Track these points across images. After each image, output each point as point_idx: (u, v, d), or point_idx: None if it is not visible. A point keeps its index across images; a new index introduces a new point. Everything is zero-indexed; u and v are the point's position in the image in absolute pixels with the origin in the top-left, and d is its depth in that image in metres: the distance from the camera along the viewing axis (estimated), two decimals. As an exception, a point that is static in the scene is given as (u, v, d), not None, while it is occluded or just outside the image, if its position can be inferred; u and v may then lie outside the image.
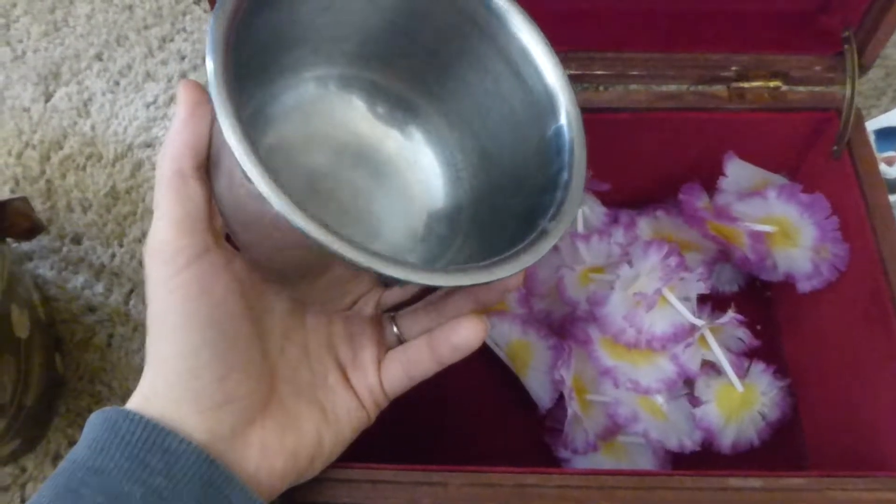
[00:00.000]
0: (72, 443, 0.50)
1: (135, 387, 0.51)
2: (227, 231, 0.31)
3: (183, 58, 0.66)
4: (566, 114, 0.33)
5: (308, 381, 0.33)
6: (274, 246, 0.29)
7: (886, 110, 0.57)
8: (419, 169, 0.37)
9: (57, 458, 0.50)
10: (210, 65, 0.26)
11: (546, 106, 0.33)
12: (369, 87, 0.37)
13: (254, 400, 0.30)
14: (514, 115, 0.34)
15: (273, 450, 0.30)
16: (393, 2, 0.33)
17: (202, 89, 0.29)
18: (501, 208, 0.34)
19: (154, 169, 0.60)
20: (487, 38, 0.34)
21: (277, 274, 0.31)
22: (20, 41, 0.67)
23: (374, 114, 0.37)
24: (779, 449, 0.44)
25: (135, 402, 0.29)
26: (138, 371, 0.52)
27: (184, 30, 0.67)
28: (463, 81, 0.35)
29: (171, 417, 0.28)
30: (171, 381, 0.28)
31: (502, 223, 0.33)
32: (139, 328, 0.54)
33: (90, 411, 0.50)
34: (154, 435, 0.27)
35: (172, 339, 0.28)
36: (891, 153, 0.52)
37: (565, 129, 0.33)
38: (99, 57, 0.66)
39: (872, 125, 0.53)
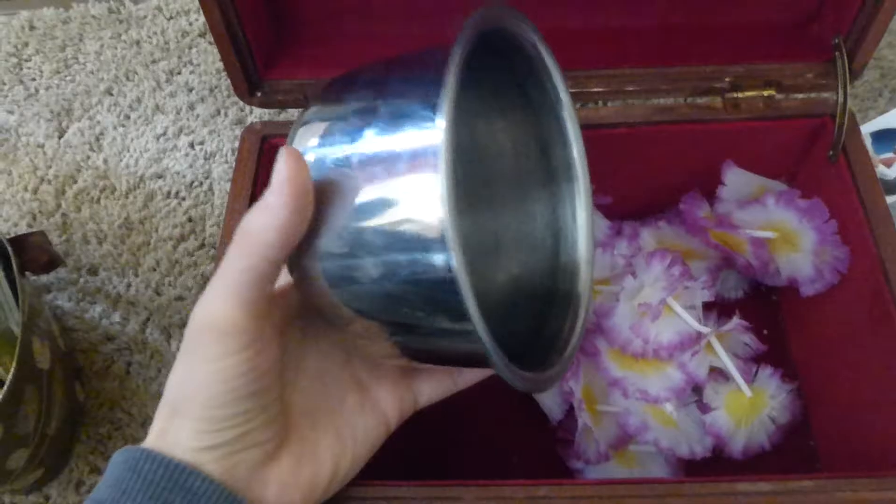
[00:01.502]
0: (94, 470, 0.51)
1: (153, 413, 0.52)
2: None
3: (190, 89, 0.67)
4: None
5: (324, 409, 0.33)
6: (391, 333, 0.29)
7: (883, 111, 0.57)
8: None
9: (80, 485, 0.51)
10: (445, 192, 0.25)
11: (569, 255, 0.37)
12: None
13: (270, 444, 0.30)
14: (534, 248, 0.38)
15: (291, 485, 0.31)
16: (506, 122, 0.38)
17: (308, 174, 0.27)
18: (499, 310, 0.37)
19: (166, 199, 0.61)
20: (548, 187, 0.37)
21: (322, 315, 0.31)
22: (33, 79, 0.69)
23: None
24: (790, 452, 0.45)
25: (154, 443, 0.29)
26: (156, 397, 0.53)
27: (190, 62, 0.69)
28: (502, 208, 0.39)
29: (190, 461, 0.28)
30: (194, 435, 0.29)
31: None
32: (155, 355, 0.55)
33: (111, 438, 0.52)
34: (176, 475, 0.28)
35: (207, 406, 0.28)
36: (889, 154, 0.53)
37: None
38: (109, 92, 0.68)
39: (870, 127, 0.54)
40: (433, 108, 0.26)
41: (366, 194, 0.27)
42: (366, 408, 0.34)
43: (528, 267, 0.38)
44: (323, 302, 0.29)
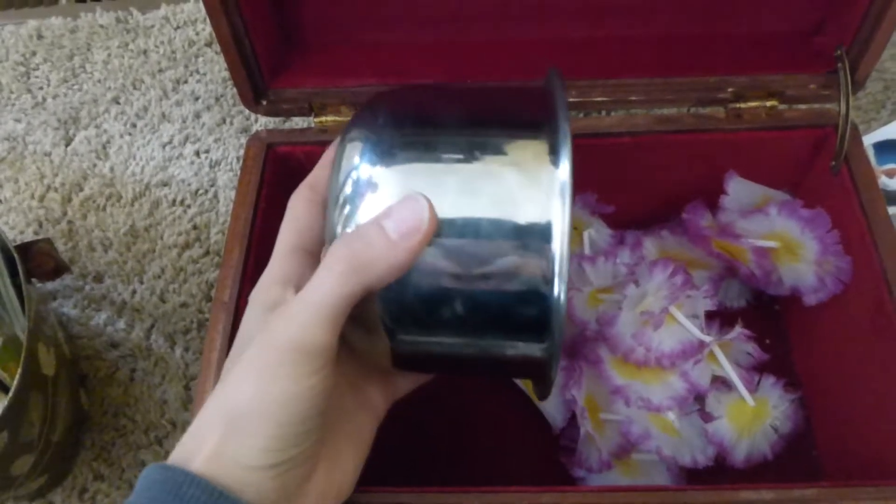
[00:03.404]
0: (97, 477, 0.51)
1: (157, 420, 0.53)
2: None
3: (197, 98, 0.68)
4: None
5: (335, 415, 0.33)
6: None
7: (886, 123, 0.57)
8: None
9: (83, 492, 0.51)
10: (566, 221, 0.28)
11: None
12: None
13: (317, 454, 0.30)
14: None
15: (326, 493, 0.31)
16: None
17: (432, 230, 0.28)
18: None
19: (171, 207, 0.62)
20: None
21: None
22: (40, 88, 0.70)
23: None
24: (792, 462, 0.45)
25: (206, 466, 0.28)
26: (160, 404, 0.53)
27: (197, 71, 0.69)
28: None
29: (246, 482, 0.28)
30: (257, 454, 0.28)
31: None
32: (160, 362, 0.55)
33: (115, 445, 0.52)
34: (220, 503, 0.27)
35: (281, 423, 0.28)
36: (891, 165, 0.53)
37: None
38: (116, 101, 0.68)
39: (872, 138, 0.54)
40: (552, 155, 0.28)
41: (470, 225, 0.28)
42: (363, 406, 0.34)
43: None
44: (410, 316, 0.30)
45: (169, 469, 0.28)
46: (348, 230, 0.29)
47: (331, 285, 0.28)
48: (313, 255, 0.33)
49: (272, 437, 0.28)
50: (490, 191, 0.28)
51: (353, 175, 0.29)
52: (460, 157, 0.29)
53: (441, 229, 0.28)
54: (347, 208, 0.29)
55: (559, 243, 0.27)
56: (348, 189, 0.29)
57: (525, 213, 0.28)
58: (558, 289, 0.28)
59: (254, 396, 0.28)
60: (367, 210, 0.29)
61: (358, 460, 0.33)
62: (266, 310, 0.31)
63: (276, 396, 0.28)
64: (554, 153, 0.28)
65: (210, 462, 0.28)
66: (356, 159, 0.30)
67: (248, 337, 0.31)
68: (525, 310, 0.28)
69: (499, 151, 0.29)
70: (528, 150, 0.29)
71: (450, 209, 0.28)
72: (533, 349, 0.30)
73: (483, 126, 0.30)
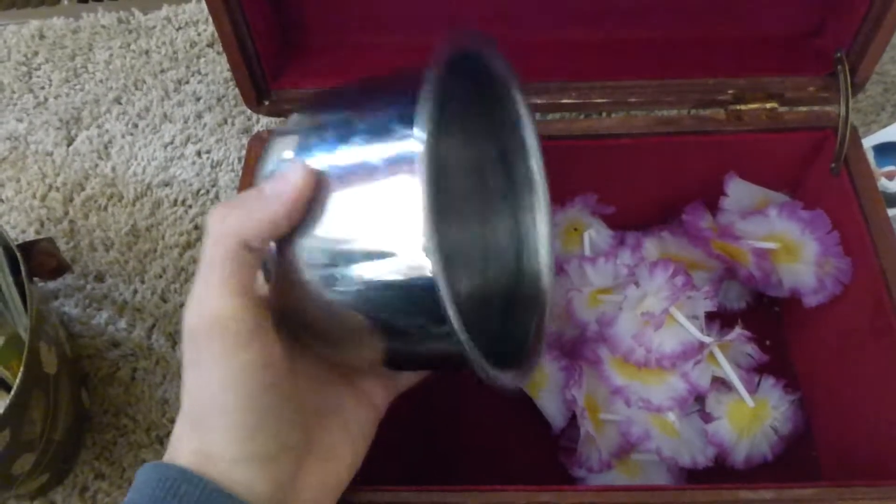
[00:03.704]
0: (98, 475, 0.51)
1: (158, 419, 0.53)
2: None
3: (198, 99, 0.68)
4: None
5: (327, 407, 0.34)
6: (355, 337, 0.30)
7: (886, 125, 0.58)
8: None
9: (84, 490, 0.51)
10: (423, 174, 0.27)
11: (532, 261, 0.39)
12: None
13: (300, 445, 0.31)
14: (497, 256, 0.40)
15: (322, 486, 0.31)
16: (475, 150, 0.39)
17: (316, 180, 0.28)
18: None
19: (173, 207, 0.62)
20: (509, 201, 0.39)
21: (312, 332, 0.32)
22: (42, 88, 0.70)
23: None
24: (792, 462, 0.45)
25: (190, 460, 0.28)
26: (161, 403, 0.53)
27: (198, 72, 0.70)
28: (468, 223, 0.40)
29: (234, 478, 0.28)
30: (228, 445, 0.28)
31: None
32: (161, 361, 0.55)
33: (116, 444, 0.52)
34: (215, 500, 0.27)
35: (232, 408, 0.28)
36: (891, 168, 0.53)
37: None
38: (118, 101, 0.68)
39: (872, 140, 0.54)
40: (411, 121, 0.27)
41: (346, 206, 0.28)
42: (360, 401, 0.35)
43: (494, 274, 0.39)
44: (307, 314, 0.30)
45: (163, 467, 0.28)
46: None
47: (215, 250, 0.28)
48: None
49: (234, 426, 0.28)
50: (361, 161, 0.28)
51: (266, 171, 0.31)
52: (340, 134, 0.29)
53: (325, 222, 0.28)
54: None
55: (421, 217, 0.26)
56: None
57: (387, 180, 0.27)
58: (431, 272, 0.26)
59: (200, 393, 0.28)
60: None
61: (356, 453, 0.33)
62: None
63: (217, 385, 0.28)
64: (413, 124, 0.27)
65: (194, 458, 0.28)
66: (266, 160, 0.31)
67: None
68: (410, 289, 0.27)
69: (369, 134, 0.29)
70: (396, 123, 0.28)
71: (337, 209, 0.28)
72: (439, 343, 0.28)
73: (370, 107, 0.30)
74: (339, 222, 0.28)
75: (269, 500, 0.29)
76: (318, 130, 0.30)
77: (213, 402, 0.28)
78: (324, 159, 0.29)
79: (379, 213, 0.28)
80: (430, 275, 0.26)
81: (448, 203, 0.40)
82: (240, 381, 0.28)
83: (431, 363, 0.33)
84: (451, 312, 0.27)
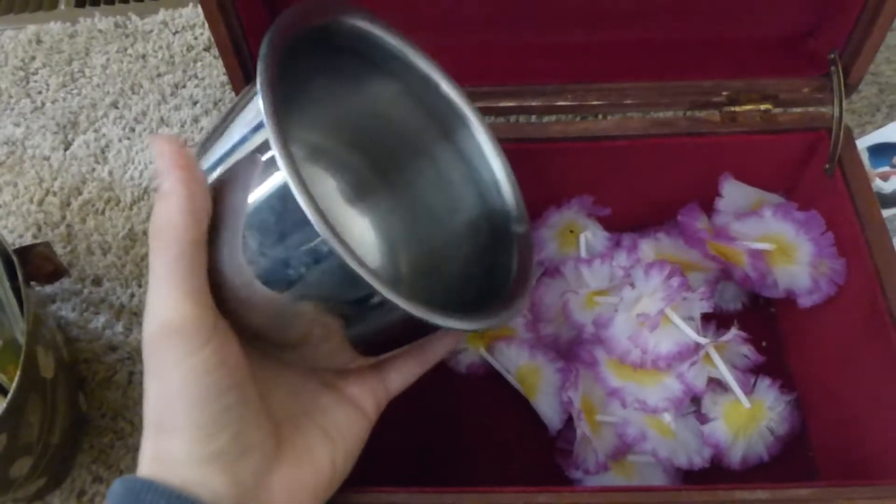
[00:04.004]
0: (96, 479, 0.51)
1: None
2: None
3: (195, 103, 0.68)
4: (514, 207, 0.39)
5: (303, 412, 0.34)
6: (282, 314, 0.30)
7: (881, 126, 0.58)
8: (356, 242, 0.41)
9: (82, 494, 0.51)
10: (274, 135, 0.27)
11: (495, 199, 0.39)
12: (336, 162, 0.40)
13: (267, 446, 0.31)
14: (460, 202, 0.39)
15: (296, 489, 0.31)
16: (373, 94, 0.38)
17: (187, 154, 0.29)
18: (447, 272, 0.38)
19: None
20: (449, 140, 0.39)
21: (273, 341, 0.32)
22: (39, 92, 0.70)
23: (336, 186, 0.40)
24: (788, 463, 0.45)
25: (151, 469, 0.29)
26: (159, 407, 0.53)
27: (195, 76, 0.70)
28: (417, 174, 0.40)
29: (194, 480, 0.28)
30: (188, 447, 0.28)
31: (456, 283, 0.38)
32: (159, 365, 0.55)
33: (113, 448, 0.52)
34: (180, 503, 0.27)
35: (190, 410, 0.28)
36: (885, 168, 0.53)
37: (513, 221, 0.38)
38: (115, 105, 0.68)
39: (867, 141, 0.55)
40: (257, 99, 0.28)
41: (238, 202, 0.29)
42: (342, 404, 0.35)
43: (461, 222, 0.39)
44: (250, 321, 0.30)
45: (128, 480, 0.28)
46: None
47: (154, 262, 0.28)
48: None
49: (188, 428, 0.28)
50: (233, 158, 0.29)
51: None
52: (216, 144, 0.30)
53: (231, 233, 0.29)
54: None
55: (296, 194, 0.26)
56: None
57: (267, 187, 0.28)
58: (318, 228, 0.26)
59: (157, 398, 0.29)
60: None
61: (337, 459, 0.33)
62: None
63: (171, 386, 0.28)
64: (255, 87, 0.28)
65: (155, 467, 0.28)
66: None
67: None
68: (323, 268, 0.28)
69: (234, 119, 0.30)
70: (246, 98, 0.30)
71: (233, 212, 0.29)
72: (378, 305, 0.28)
73: (233, 115, 0.31)
74: (235, 223, 0.29)
75: (233, 500, 0.29)
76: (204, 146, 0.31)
77: (171, 406, 0.28)
78: (211, 161, 0.30)
79: (266, 201, 0.28)
80: (332, 248, 0.26)
81: (390, 164, 0.40)
82: (195, 381, 0.28)
83: (392, 336, 0.32)
84: (369, 277, 0.27)
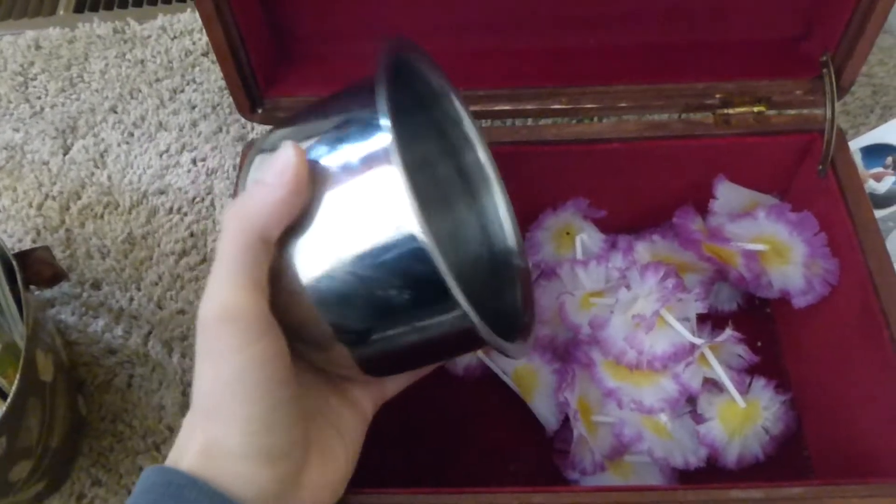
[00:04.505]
0: (95, 482, 0.52)
1: (155, 425, 0.53)
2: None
3: (193, 107, 0.68)
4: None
5: (318, 412, 0.34)
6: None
7: (875, 127, 0.58)
8: None
9: (81, 497, 0.51)
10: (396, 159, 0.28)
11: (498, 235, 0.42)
12: None
13: (304, 444, 0.31)
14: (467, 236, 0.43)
15: (321, 486, 0.31)
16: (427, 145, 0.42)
17: (308, 170, 0.29)
18: None
19: (168, 214, 0.62)
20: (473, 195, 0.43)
21: (310, 339, 0.32)
22: (38, 97, 0.71)
23: None
24: (784, 462, 0.45)
25: (198, 461, 0.28)
26: (158, 409, 0.53)
27: (193, 80, 0.70)
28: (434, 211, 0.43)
29: (242, 475, 0.28)
30: (241, 439, 0.28)
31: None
32: (157, 368, 0.55)
33: (112, 451, 0.52)
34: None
35: (246, 401, 0.28)
36: (879, 169, 0.54)
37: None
38: (114, 110, 0.69)
39: (861, 142, 0.55)
40: (374, 118, 0.29)
41: (332, 207, 0.29)
42: (349, 407, 0.35)
43: (466, 259, 0.42)
44: (305, 315, 0.30)
45: (169, 472, 0.28)
46: None
47: (227, 244, 0.28)
48: None
49: (246, 419, 0.28)
50: (344, 173, 0.30)
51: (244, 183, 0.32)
52: (320, 150, 0.30)
53: (318, 221, 0.29)
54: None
55: (405, 205, 0.27)
56: None
57: (370, 182, 0.29)
58: (426, 245, 0.27)
59: (213, 384, 0.28)
60: None
61: (349, 457, 0.34)
62: None
63: (230, 375, 0.28)
64: (377, 122, 0.29)
65: (200, 456, 0.28)
66: (251, 168, 0.32)
67: None
68: (413, 282, 0.29)
69: (345, 136, 0.30)
70: (362, 118, 0.30)
71: (321, 202, 0.29)
72: (445, 312, 0.29)
73: (336, 116, 0.32)
74: (328, 223, 0.29)
75: (273, 497, 0.29)
76: (295, 139, 0.31)
77: (227, 393, 0.28)
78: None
79: (365, 204, 0.29)
80: (425, 251, 0.27)
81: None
82: (253, 372, 0.28)
83: (439, 349, 0.33)
84: (453, 287, 0.28)
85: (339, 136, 0.30)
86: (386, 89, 0.29)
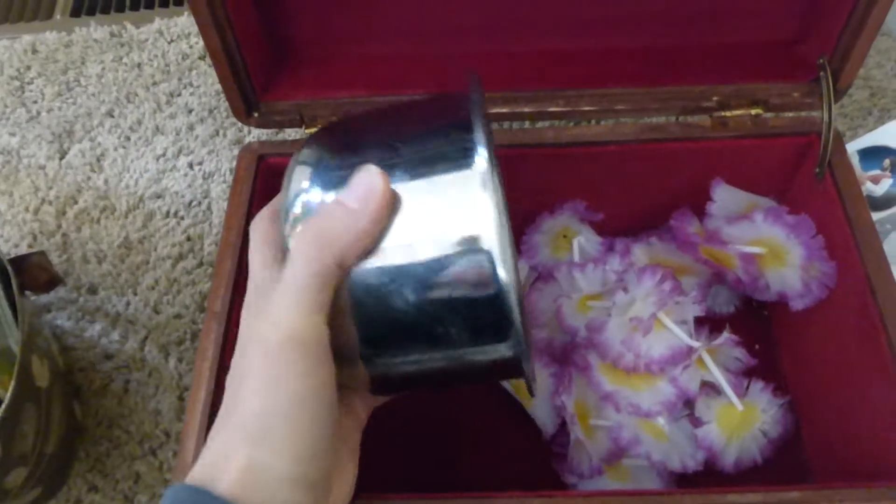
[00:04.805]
0: (91, 488, 0.51)
1: (151, 430, 0.53)
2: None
3: (190, 111, 0.68)
4: None
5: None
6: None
7: (872, 129, 0.58)
8: None
9: (78, 503, 0.51)
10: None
11: None
12: None
13: (334, 466, 0.31)
14: None
15: (340, 499, 0.31)
16: None
17: (393, 197, 0.29)
18: None
19: (165, 218, 0.62)
20: None
21: (344, 356, 0.32)
22: (35, 102, 0.70)
23: None
24: (782, 465, 0.45)
25: (241, 481, 0.27)
26: (154, 414, 0.53)
27: (190, 84, 0.70)
28: None
29: (284, 499, 0.27)
30: (291, 466, 0.27)
31: None
32: (154, 373, 0.55)
33: (109, 456, 0.52)
34: None
35: (304, 427, 0.27)
36: (877, 171, 0.54)
37: None
38: (110, 114, 0.69)
39: (858, 144, 0.55)
40: (467, 147, 0.29)
41: (404, 225, 0.29)
42: (348, 415, 0.35)
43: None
44: (346, 335, 0.30)
45: (200, 493, 0.27)
46: None
47: (303, 267, 0.28)
48: None
49: (299, 443, 0.27)
50: (426, 203, 0.29)
51: (303, 197, 0.31)
52: (397, 175, 0.30)
53: (389, 247, 0.29)
54: (299, 227, 0.30)
55: (495, 237, 0.28)
56: (298, 209, 0.30)
57: (458, 216, 0.28)
58: (507, 283, 0.28)
59: (270, 406, 0.27)
60: None
61: (355, 469, 0.33)
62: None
63: (289, 401, 0.27)
64: (475, 151, 0.29)
65: (242, 479, 0.27)
66: (305, 183, 0.31)
67: (246, 342, 0.30)
68: (481, 311, 0.29)
69: (427, 154, 0.30)
70: (452, 147, 0.30)
71: (394, 227, 0.29)
72: (500, 350, 0.30)
73: (412, 134, 0.31)
74: (398, 250, 0.29)
75: None
76: (357, 156, 0.31)
77: (283, 418, 0.27)
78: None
79: (447, 239, 0.28)
80: (503, 285, 0.28)
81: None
82: (312, 399, 0.28)
83: (462, 379, 0.34)
84: (520, 331, 0.28)
85: (424, 164, 0.29)
86: (486, 131, 0.29)
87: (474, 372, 0.31)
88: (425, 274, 0.29)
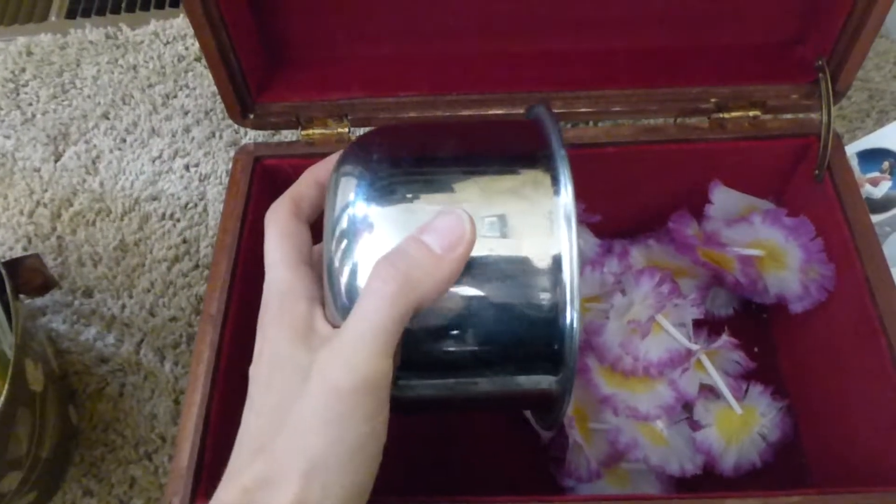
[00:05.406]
0: (87, 493, 0.51)
1: (147, 434, 0.52)
2: None
3: (186, 113, 0.68)
4: None
5: None
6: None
7: (871, 131, 0.58)
8: None
9: (73, 508, 0.51)
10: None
11: None
12: None
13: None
14: None
15: None
16: None
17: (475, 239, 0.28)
18: None
19: (161, 221, 0.62)
20: None
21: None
22: (30, 104, 0.70)
23: None
24: (781, 469, 0.45)
25: None
26: (150, 418, 0.53)
27: (186, 86, 0.70)
28: None
29: None
30: (340, 499, 0.27)
31: None
32: (149, 376, 0.55)
33: (104, 460, 0.52)
34: None
35: (361, 466, 0.28)
36: (875, 174, 0.53)
37: None
38: (106, 116, 0.68)
39: (857, 147, 0.55)
40: (554, 184, 0.28)
41: (479, 268, 0.28)
42: None
43: None
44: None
45: None
46: (345, 264, 0.29)
47: (383, 309, 0.27)
48: (315, 270, 0.32)
49: (350, 485, 0.27)
50: (495, 224, 0.28)
51: (350, 211, 0.29)
52: (461, 193, 0.29)
53: (460, 291, 0.29)
54: (344, 242, 0.29)
55: (568, 271, 0.28)
56: (344, 223, 0.29)
57: (532, 243, 0.28)
58: (570, 318, 0.28)
59: (330, 446, 0.27)
60: (366, 247, 0.29)
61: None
62: (300, 331, 0.29)
63: (352, 442, 0.27)
64: (555, 182, 0.28)
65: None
66: (351, 195, 0.30)
67: (282, 362, 0.29)
68: (538, 342, 0.28)
69: (499, 185, 0.29)
70: (528, 181, 0.29)
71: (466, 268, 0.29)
72: (547, 381, 0.30)
73: (481, 161, 0.30)
74: (479, 286, 0.29)
75: None
76: (422, 178, 0.30)
77: (344, 458, 0.27)
78: (430, 211, 0.29)
79: (519, 283, 0.28)
80: (568, 324, 0.28)
81: None
82: (373, 439, 0.27)
83: (518, 404, 0.35)
84: (573, 363, 0.28)
85: (499, 201, 0.29)
86: (572, 182, 0.28)
87: (504, 407, 0.32)
88: (492, 324, 0.28)
